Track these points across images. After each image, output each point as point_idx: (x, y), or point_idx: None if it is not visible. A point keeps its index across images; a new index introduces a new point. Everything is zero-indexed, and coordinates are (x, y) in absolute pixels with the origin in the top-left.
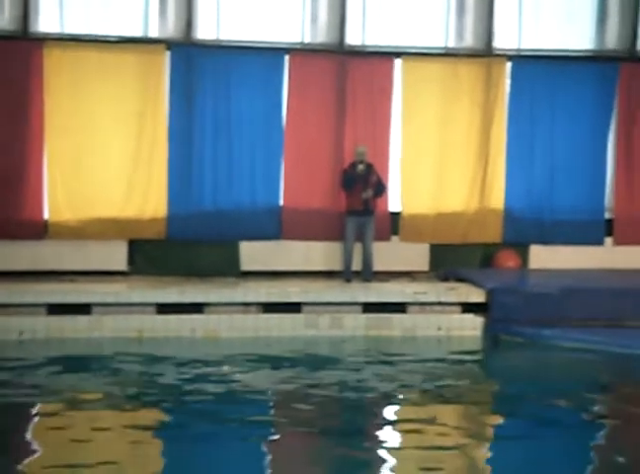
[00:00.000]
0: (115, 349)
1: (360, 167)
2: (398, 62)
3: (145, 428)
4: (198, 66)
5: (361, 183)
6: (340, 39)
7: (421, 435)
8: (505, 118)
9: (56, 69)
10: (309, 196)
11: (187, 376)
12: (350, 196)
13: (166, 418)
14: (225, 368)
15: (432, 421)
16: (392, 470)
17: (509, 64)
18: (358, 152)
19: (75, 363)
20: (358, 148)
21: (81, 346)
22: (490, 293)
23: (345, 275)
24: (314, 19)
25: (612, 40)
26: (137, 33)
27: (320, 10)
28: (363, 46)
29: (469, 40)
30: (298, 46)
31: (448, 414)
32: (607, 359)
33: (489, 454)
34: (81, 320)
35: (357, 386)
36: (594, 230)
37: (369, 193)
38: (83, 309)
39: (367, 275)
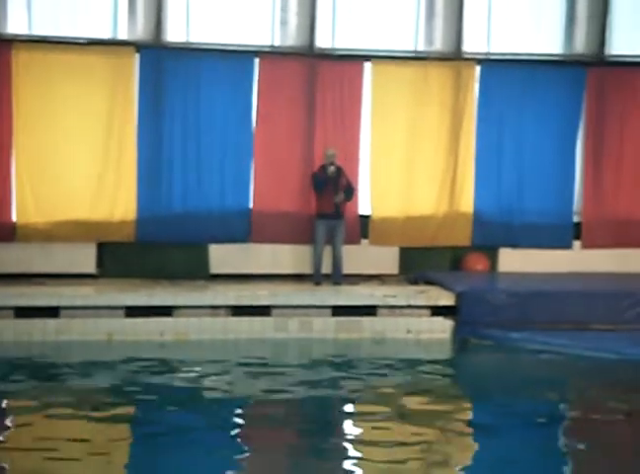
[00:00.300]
0: (83, 352)
1: (331, 169)
2: (368, 66)
3: (114, 430)
4: (167, 69)
5: (332, 185)
6: (310, 43)
7: (388, 433)
8: (474, 122)
9: (25, 71)
10: (279, 198)
11: (155, 379)
12: (320, 198)
13: (134, 421)
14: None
15: (400, 421)
16: (361, 467)
17: (478, 68)
18: (327, 155)
19: (43, 367)
20: (327, 151)
21: (49, 349)
22: (459, 296)
23: (314, 278)
24: (284, 22)
25: (581, 45)
26: (106, 35)
27: (290, 13)
28: (333, 50)
29: (439, 44)
30: (268, 49)
31: (417, 415)
32: (575, 362)
33: (455, 453)
34: (49, 323)
35: (325, 388)
36: (562, 233)
37: (341, 196)
38: (51, 312)
39: (337, 278)
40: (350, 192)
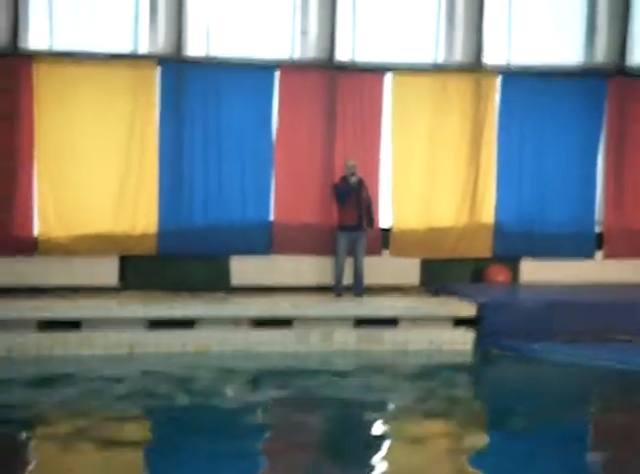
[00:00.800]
0: (105, 365)
1: (353, 179)
2: (388, 77)
3: (134, 443)
4: (188, 82)
5: (354, 196)
6: (330, 55)
7: (413, 446)
8: (495, 133)
9: (46, 85)
10: (299, 210)
11: (177, 391)
12: (342, 210)
13: (155, 433)
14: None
15: (423, 433)
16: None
17: (498, 79)
18: (348, 166)
19: (64, 380)
20: (348, 162)
21: (71, 362)
22: (481, 308)
23: (336, 289)
24: (304, 34)
25: (601, 55)
26: (127, 49)
27: (310, 25)
28: (353, 62)
29: (459, 55)
30: (288, 62)
31: (439, 427)
32: (597, 374)
33: (479, 467)
34: (71, 336)
35: (348, 400)
36: (584, 244)
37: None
38: (73, 325)
39: (359, 289)
40: (369, 215)
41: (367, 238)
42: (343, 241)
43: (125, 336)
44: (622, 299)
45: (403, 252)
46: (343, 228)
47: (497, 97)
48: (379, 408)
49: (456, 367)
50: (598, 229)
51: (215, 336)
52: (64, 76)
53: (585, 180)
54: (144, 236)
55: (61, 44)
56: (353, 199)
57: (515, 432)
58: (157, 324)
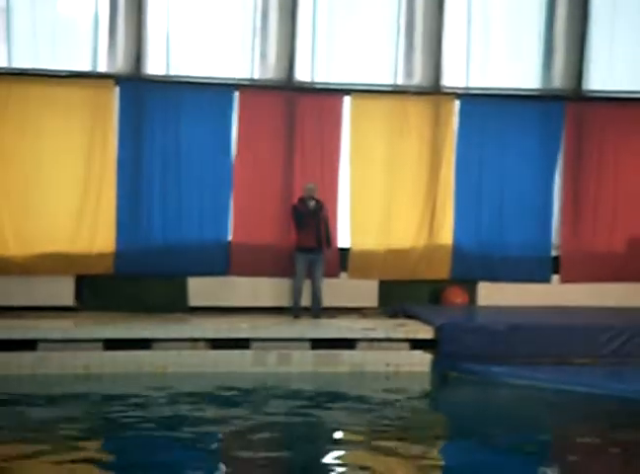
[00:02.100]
0: (61, 386)
1: (311, 203)
2: (347, 99)
3: (90, 463)
4: (147, 101)
5: (312, 219)
6: (289, 76)
7: (366, 468)
8: (453, 156)
9: (4, 104)
10: (258, 231)
11: (132, 412)
12: (300, 232)
13: (111, 455)
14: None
15: (375, 456)
16: None
17: (457, 102)
18: (307, 188)
19: (19, 400)
20: (307, 185)
21: (26, 383)
22: (438, 330)
23: (294, 311)
24: (263, 55)
25: (559, 79)
26: (86, 67)
27: (269, 46)
28: (312, 83)
29: (418, 78)
30: (248, 82)
31: (394, 449)
32: (554, 396)
33: None
34: (27, 356)
35: (304, 423)
36: (541, 267)
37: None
38: (29, 345)
39: (316, 311)
40: (328, 235)
41: (325, 260)
42: (301, 262)
43: (82, 356)
44: (579, 322)
45: (361, 274)
46: (301, 250)
47: (455, 120)
48: (335, 430)
49: (413, 390)
50: (554, 253)
51: (172, 356)
52: (22, 95)
53: (542, 204)
54: (102, 255)
55: (19, 63)
56: (311, 222)
57: (468, 455)
58: (114, 344)
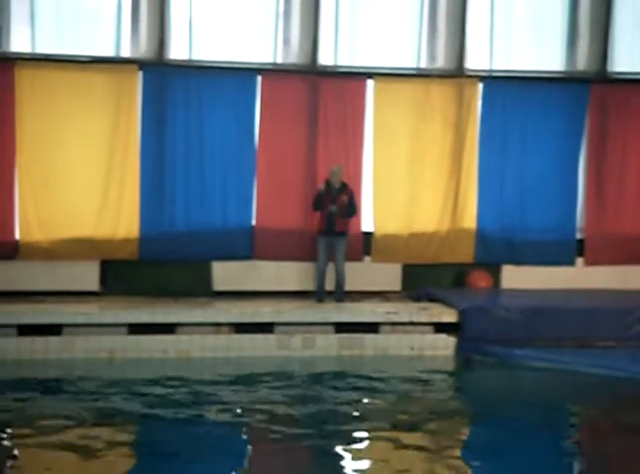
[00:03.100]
0: (86, 369)
1: (336, 186)
2: (370, 83)
3: (118, 445)
4: (170, 86)
5: (330, 202)
6: (312, 60)
7: (391, 450)
8: (476, 139)
9: (28, 89)
10: (282, 216)
11: (158, 396)
12: (320, 215)
13: (138, 437)
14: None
15: (399, 438)
16: None
17: (480, 85)
18: (332, 172)
19: (46, 385)
20: (333, 168)
21: (52, 367)
22: (462, 313)
23: (317, 295)
24: (287, 39)
25: (583, 62)
26: (109, 53)
27: (292, 30)
28: (336, 67)
29: (441, 61)
30: (271, 67)
31: (419, 433)
32: (578, 379)
33: (459, 470)
34: (52, 341)
35: (329, 406)
36: (565, 250)
37: (333, 208)
38: (54, 330)
39: (340, 295)
40: (351, 210)
41: (348, 243)
42: (322, 245)
43: (106, 340)
44: (603, 305)
45: (385, 258)
46: (321, 232)
47: (479, 103)
48: (360, 413)
49: (437, 373)
50: (579, 236)
51: (196, 341)
52: (46, 80)
53: (566, 186)
54: (126, 241)
55: (43, 48)
56: (328, 205)
57: (492, 437)
58: (138, 329)
